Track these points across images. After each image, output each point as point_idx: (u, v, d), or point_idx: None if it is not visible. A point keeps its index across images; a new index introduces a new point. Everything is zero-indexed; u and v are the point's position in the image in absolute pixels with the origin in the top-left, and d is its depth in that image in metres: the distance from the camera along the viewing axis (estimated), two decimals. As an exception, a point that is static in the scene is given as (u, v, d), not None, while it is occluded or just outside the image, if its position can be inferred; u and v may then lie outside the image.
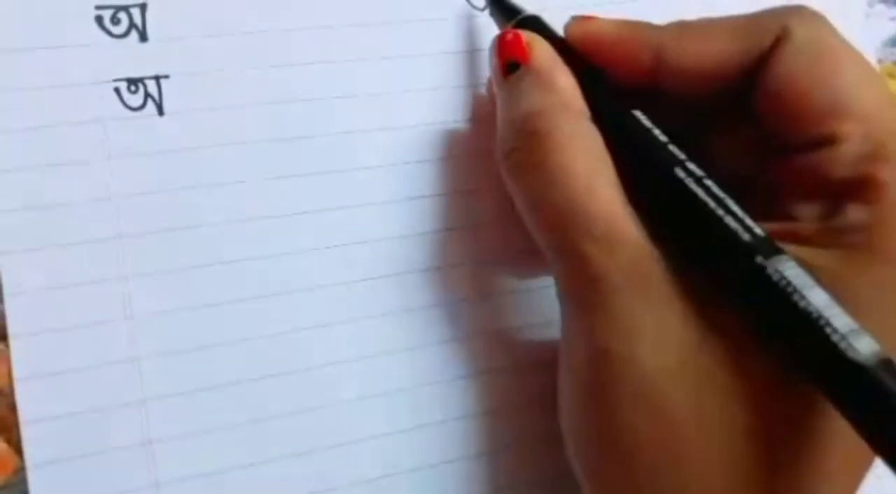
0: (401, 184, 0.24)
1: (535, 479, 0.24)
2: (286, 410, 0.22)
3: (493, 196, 0.25)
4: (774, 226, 0.19)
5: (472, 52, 0.26)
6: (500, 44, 0.22)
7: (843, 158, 0.19)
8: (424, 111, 0.25)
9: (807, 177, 0.20)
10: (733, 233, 0.18)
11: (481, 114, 0.25)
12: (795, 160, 0.20)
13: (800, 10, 0.21)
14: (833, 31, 0.21)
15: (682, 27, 0.21)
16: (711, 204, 0.18)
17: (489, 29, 0.25)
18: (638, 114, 0.20)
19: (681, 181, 0.19)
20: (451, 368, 0.24)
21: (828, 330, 0.16)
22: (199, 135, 0.23)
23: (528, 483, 0.24)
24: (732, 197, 0.18)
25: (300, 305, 0.23)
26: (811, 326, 0.16)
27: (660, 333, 0.18)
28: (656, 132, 0.20)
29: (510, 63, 0.22)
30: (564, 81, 0.21)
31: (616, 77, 0.22)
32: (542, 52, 0.22)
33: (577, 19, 0.22)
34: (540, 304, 0.25)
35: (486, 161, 0.25)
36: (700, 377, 0.18)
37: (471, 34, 0.26)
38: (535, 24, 0.23)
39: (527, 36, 0.22)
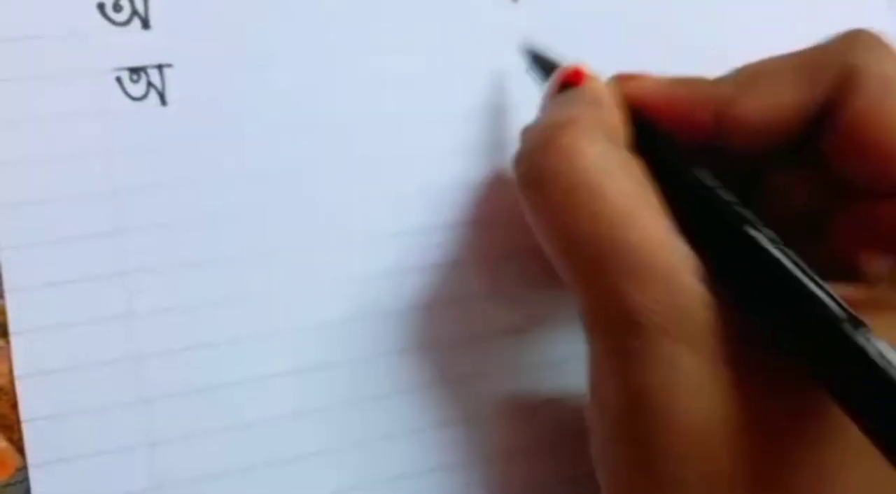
0: (412, 177, 0.24)
1: (545, 483, 0.24)
2: (290, 411, 0.22)
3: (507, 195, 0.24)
4: (850, 291, 0.17)
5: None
6: (560, 72, 0.20)
7: None
8: (438, 103, 0.24)
9: (883, 227, 0.18)
10: (821, 302, 0.16)
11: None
12: (870, 208, 0.19)
13: (862, 39, 0.19)
14: None
15: (739, 79, 0.19)
16: (791, 267, 0.16)
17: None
18: (701, 171, 0.18)
19: (754, 240, 0.17)
20: (451, 372, 0.23)
21: None
22: (203, 125, 0.22)
23: (540, 487, 0.24)
24: (807, 262, 0.17)
25: (302, 301, 0.22)
26: None
27: (705, 386, 0.16)
28: (721, 191, 0.18)
29: (563, 85, 0.20)
30: (613, 114, 0.19)
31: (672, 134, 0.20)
32: (598, 83, 0.20)
33: (621, 78, 0.21)
34: (554, 307, 0.24)
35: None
36: (749, 429, 0.16)
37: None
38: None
39: (588, 72, 0.20)
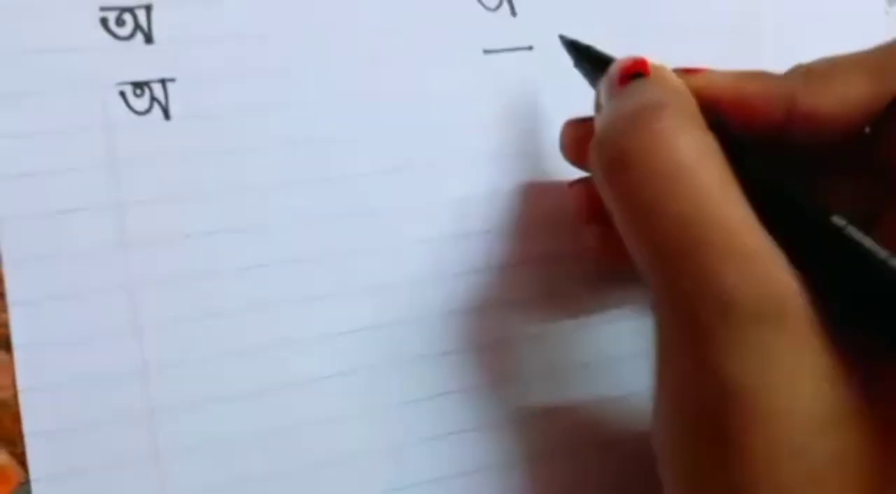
0: (433, 185, 0.24)
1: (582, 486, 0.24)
2: (304, 419, 0.22)
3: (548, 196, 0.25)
4: None
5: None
6: (623, 63, 0.20)
7: None
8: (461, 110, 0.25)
9: None
10: None
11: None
12: None
13: None
14: None
15: (809, 73, 0.19)
16: (882, 253, 0.16)
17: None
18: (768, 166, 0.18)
19: (841, 229, 0.17)
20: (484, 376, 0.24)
21: None
22: (206, 139, 0.22)
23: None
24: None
25: (312, 312, 0.23)
26: None
27: (801, 373, 0.16)
28: (792, 185, 0.18)
29: (630, 75, 0.19)
30: (693, 102, 0.19)
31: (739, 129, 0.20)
32: (670, 72, 0.19)
33: (682, 72, 0.20)
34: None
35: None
36: (844, 423, 0.16)
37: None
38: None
39: (654, 63, 0.20)
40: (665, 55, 0.20)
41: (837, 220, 0.17)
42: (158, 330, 0.21)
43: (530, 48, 0.25)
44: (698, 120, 0.18)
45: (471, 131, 0.24)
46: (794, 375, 0.16)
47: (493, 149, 0.25)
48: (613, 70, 0.20)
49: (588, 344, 0.25)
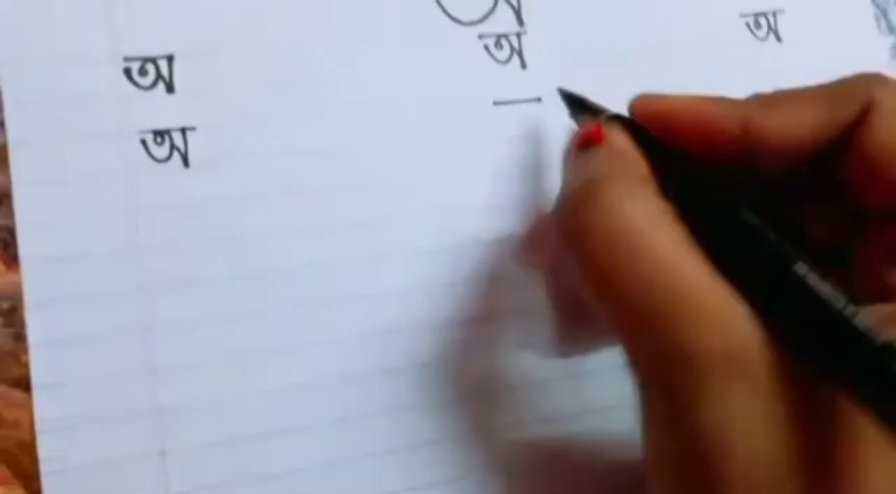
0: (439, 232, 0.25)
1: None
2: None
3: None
4: (888, 307, 0.18)
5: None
6: (580, 131, 0.21)
7: None
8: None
9: None
10: (866, 335, 0.16)
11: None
12: (890, 231, 0.20)
13: (882, 79, 0.20)
14: None
15: (763, 98, 0.21)
16: (840, 303, 0.16)
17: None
18: (745, 212, 0.19)
19: (802, 278, 0.17)
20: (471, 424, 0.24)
21: None
22: (225, 187, 0.23)
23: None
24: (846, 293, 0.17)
25: (323, 357, 0.23)
26: None
27: (762, 426, 0.16)
28: (768, 231, 0.18)
29: (585, 143, 0.20)
30: (641, 166, 0.20)
31: (694, 154, 0.20)
32: (617, 135, 0.20)
33: (643, 97, 0.21)
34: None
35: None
36: (806, 469, 0.16)
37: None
38: (623, 122, 0.21)
39: (607, 126, 0.21)
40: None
41: (799, 268, 0.17)
42: (174, 373, 0.22)
43: (539, 100, 0.26)
44: (647, 186, 0.19)
45: (479, 179, 0.25)
46: (756, 427, 0.16)
47: (500, 197, 0.25)
48: (572, 139, 0.21)
49: (576, 392, 0.25)
